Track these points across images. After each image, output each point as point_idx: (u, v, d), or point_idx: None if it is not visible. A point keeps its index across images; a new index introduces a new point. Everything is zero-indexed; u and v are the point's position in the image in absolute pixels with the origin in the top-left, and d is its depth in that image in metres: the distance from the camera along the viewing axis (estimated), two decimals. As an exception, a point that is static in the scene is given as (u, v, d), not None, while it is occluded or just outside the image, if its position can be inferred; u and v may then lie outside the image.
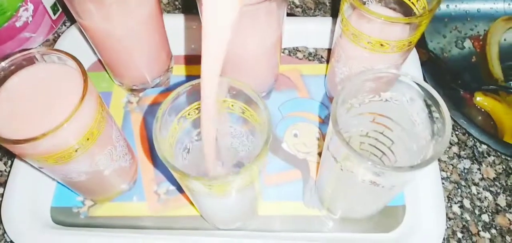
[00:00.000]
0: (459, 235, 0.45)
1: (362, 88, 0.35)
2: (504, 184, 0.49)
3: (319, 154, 0.49)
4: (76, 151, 0.34)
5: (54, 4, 0.60)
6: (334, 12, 0.64)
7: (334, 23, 0.57)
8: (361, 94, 0.36)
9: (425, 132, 0.35)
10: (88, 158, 0.36)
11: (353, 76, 0.34)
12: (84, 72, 0.34)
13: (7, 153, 0.51)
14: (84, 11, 0.42)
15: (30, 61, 0.36)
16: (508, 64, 0.63)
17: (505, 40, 0.65)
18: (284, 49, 0.58)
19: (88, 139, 0.34)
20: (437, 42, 0.65)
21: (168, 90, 0.54)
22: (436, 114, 0.33)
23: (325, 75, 0.55)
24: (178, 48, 0.57)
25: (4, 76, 0.35)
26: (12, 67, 0.35)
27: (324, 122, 0.52)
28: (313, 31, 0.58)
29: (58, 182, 0.47)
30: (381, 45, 0.40)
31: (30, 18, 0.56)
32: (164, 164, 0.47)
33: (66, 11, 0.62)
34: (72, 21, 0.62)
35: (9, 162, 0.50)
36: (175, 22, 0.57)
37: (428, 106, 0.33)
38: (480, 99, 0.58)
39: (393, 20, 0.39)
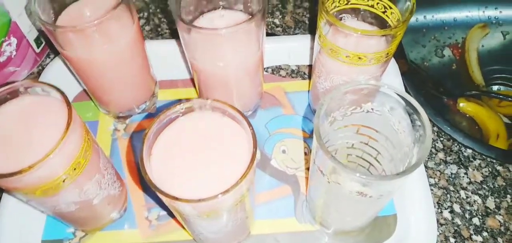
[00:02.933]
0: (452, 240, 0.46)
1: (343, 101, 0.36)
2: (492, 186, 0.49)
3: (308, 168, 0.50)
4: (63, 181, 0.34)
5: (38, 37, 0.60)
6: (313, 30, 0.65)
7: (313, 40, 0.58)
8: (343, 106, 0.36)
9: (407, 140, 0.35)
10: (76, 188, 0.36)
11: (333, 89, 0.34)
12: (67, 102, 0.34)
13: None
14: (66, 42, 0.42)
15: (14, 94, 0.36)
16: (488, 69, 0.65)
17: (483, 46, 0.66)
18: (267, 68, 0.59)
19: (75, 168, 0.34)
20: (417, 52, 0.66)
21: (154, 115, 0.55)
22: (416, 121, 0.33)
23: (308, 91, 0.56)
24: (162, 73, 0.57)
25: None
26: (-4, 102, 0.35)
27: (310, 136, 0.52)
28: (294, 49, 0.59)
29: (48, 215, 0.46)
30: (359, 58, 0.41)
31: (14, 52, 0.56)
32: (153, 191, 0.48)
33: (49, 43, 0.63)
34: (56, 53, 0.63)
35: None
36: (158, 48, 0.58)
37: (408, 113, 0.34)
38: (463, 105, 0.59)
39: (368, 33, 0.40)
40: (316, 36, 0.44)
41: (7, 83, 0.35)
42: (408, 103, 0.33)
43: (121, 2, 0.41)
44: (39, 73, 0.61)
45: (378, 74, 0.44)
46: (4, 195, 0.46)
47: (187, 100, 0.34)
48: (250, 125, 0.32)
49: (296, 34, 0.66)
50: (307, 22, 0.67)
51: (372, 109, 0.36)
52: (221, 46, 0.42)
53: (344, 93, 0.34)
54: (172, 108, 0.34)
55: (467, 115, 0.59)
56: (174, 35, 0.65)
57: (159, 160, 0.33)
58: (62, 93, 0.35)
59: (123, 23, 0.44)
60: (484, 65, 0.65)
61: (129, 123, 0.54)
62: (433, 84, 0.62)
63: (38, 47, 0.60)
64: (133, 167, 0.50)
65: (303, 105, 0.55)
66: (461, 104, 0.59)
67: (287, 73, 0.59)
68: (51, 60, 0.58)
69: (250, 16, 0.45)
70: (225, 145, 0.34)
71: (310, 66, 0.59)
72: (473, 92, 0.61)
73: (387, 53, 0.41)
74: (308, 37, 0.59)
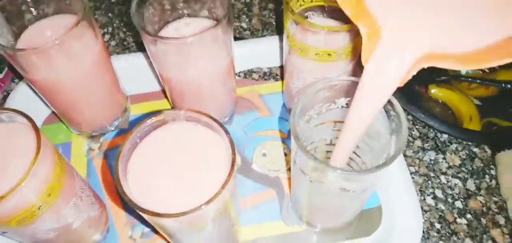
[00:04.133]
0: (437, 225, 0.46)
1: (317, 99, 0.36)
2: (470, 168, 0.50)
3: (289, 170, 0.49)
4: (39, 208, 0.33)
5: (0, 62, 0.58)
6: (281, 30, 0.66)
7: (282, 40, 0.58)
8: (317, 104, 0.36)
9: (384, 131, 0.35)
10: (53, 214, 0.35)
11: (306, 88, 0.34)
12: (35, 127, 0.33)
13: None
14: (28, 66, 0.41)
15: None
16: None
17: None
18: (240, 72, 0.59)
19: (49, 194, 0.33)
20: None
21: (128, 130, 0.53)
22: (390, 111, 0.33)
23: (282, 92, 0.56)
24: (133, 87, 0.56)
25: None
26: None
27: (288, 137, 0.52)
28: (264, 51, 0.59)
29: None
30: (329, 54, 0.41)
31: (-24, 81, 0.54)
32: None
33: (11, 68, 0.60)
34: (21, 77, 0.60)
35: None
36: (126, 63, 0.56)
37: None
38: (434, 91, 0.60)
39: (335, 29, 0.39)
40: (284, 36, 0.44)
41: None
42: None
43: (82, 19, 0.40)
44: (4, 99, 0.58)
45: (349, 69, 0.44)
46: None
47: (159, 112, 0.33)
48: (226, 132, 0.32)
49: (264, 36, 0.65)
50: (274, 23, 0.67)
51: (346, 104, 0.36)
52: (189, 54, 0.41)
53: (317, 90, 0.34)
54: (143, 122, 0.33)
55: (440, 101, 0.60)
56: (141, 47, 0.64)
57: (137, 177, 0.32)
58: (28, 118, 0.33)
59: (86, 40, 0.42)
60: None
61: (103, 141, 0.52)
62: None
63: (1, 73, 0.58)
64: (112, 186, 0.49)
65: (279, 106, 0.55)
66: (432, 91, 0.60)
67: (259, 76, 0.59)
68: (17, 84, 0.56)
69: (216, 22, 0.45)
70: (203, 154, 0.33)
71: (281, 67, 0.59)
72: (443, 77, 0.62)
73: (355, 48, 0.41)
74: (277, 38, 0.59)
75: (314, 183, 0.34)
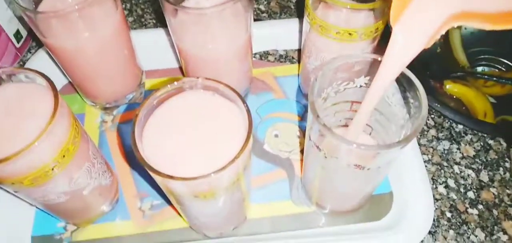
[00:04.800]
0: (448, 214, 0.46)
1: (335, 76, 0.35)
2: (484, 160, 0.49)
3: (302, 151, 0.49)
4: (52, 169, 0.33)
5: (17, 32, 0.58)
6: (300, 13, 0.65)
7: (301, 23, 0.58)
8: (336, 82, 0.36)
9: (402, 111, 0.35)
10: (66, 176, 0.35)
11: (325, 64, 0.34)
12: (53, 88, 0.33)
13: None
14: (48, 30, 0.41)
15: (-2, 82, 0.34)
16: (472, 50, 0.65)
17: (465, 28, 0.66)
18: (255, 53, 0.59)
19: (64, 156, 0.33)
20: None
21: (143, 105, 0.53)
22: (408, 92, 0.33)
23: (298, 75, 0.56)
24: (149, 63, 0.56)
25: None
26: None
27: (302, 119, 0.52)
28: (281, 33, 0.59)
29: (37, 209, 0.45)
30: (349, 34, 0.40)
31: (-7, 48, 0.55)
32: (146, 179, 0.47)
33: (31, 34, 0.61)
34: (38, 46, 0.61)
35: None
36: (143, 38, 0.56)
37: (400, 84, 0.33)
38: (449, 86, 0.59)
39: (358, 7, 0.39)
40: (305, 14, 0.44)
41: None
42: (401, 73, 0.33)
43: (105, -14, 0.40)
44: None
45: (368, 51, 0.44)
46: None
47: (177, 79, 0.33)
48: (244, 101, 0.32)
49: (282, 18, 0.65)
50: (292, 7, 0.66)
51: (365, 83, 0.36)
52: (209, 27, 0.41)
53: (336, 67, 0.34)
54: (162, 88, 0.33)
55: (454, 96, 0.59)
56: (158, 25, 0.64)
57: (151, 141, 0.32)
58: (47, 78, 0.33)
59: (106, 9, 0.43)
60: (467, 47, 0.65)
61: (116, 114, 0.53)
62: (419, 67, 0.62)
63: (18, 42, 0.59)
64: (123, 158, 0.49)
65: (293, 89, 0.54)
66: (447, 86, 0.59)
67: (275, 58, 0.58)
68: (33, 54, 0.57)
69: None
70: (218, 123, 0.33)
71: (298, 51, 0.59)
72: (459, 73, 0.61)
73: (377, 28, 0.41)
74: (295, 21, 0.59)
75: (329, 159, 0.33)
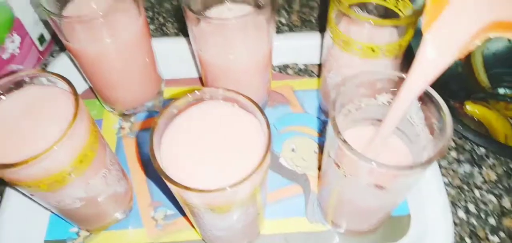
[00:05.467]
0: (468, 240, 0.44)
1: (357, 92, 0.35)
2: (507, 185, 0.48)
3: (318, 167, 0.48)
4: (69, 174, 0.33)
5: (41, 36, 0.59)
6: (321, 28, 0.65)
7: (322, 38, 0.57)
8: (357, 98, 0.35)
9: (424, 132, 0.34)
10: (82, 182, 0.35)
11: (347, 79, 0.33)
12: (74, 92, 0.33)
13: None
14: (71, 34, 0.41)
15: (19, 84, 0.35)
16: (494, 71, 0.64)
17: (487, 49, 0.65)
18: (275, 66, 0.58)
19: (81, 161, 0.33)
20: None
21: (161, 114, 0.54)
22: (433, 111, 0.32)
23: (317, 89, 0.55)
24: (169, 71, 0.56)
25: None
26: (0, 92, 0.34)
27: (320, 135, 0.51)
28: (301, 47, 0.58)
29: (51, 213, 0.45)
30: (372, 50, 0.40)
31: (17, 50, 0.55)
32: (160, 189, 0.47)
33: (55, 38, 0.62)
34: (61, 50, 0.62)
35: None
36: (164, 46, 0.57)
37: (423, 103, 0.33)
38: (470, 107, 0.58)
39: (382, 23, 0.39)
40: (327, 29, 0.44)
41: (11, 72, 0.34)
42: (425, 93, 0.32)
43: (129, -7, 0.40)
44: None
45: (390, 68, 0.43)
46: (7, 194, 0.44)
47: (197, 89, 0.33)
48: (263, 114, 0.31)
49: (302, 32, 0.64)
50: (313, 21, 0.66)
51: (388, 101, 0.35)
52: (231, 37, 0.41)
53: (359, 83, 0.33)
54: (182, 97, 0.33)
55: (475, 118, 0.58)
56: (179, 34, 0.64)
57: (169, 150, 0.32)
58: (69, 83, 0.33)
59: (130, 15, 0.43)
60: (489, 68, 0.64)
61: (134, 121, 0.53)
62: (440, 87, 0.60)
63: (41, 45, 0.59)
64: (139, 166, 0.49)
65: (312, 103, 0.54)
66: (468, 107, 0.58)
67: (294, 71, 0.58)
68: (55, 58, 0.57)
69: (260, 8, 0.44)
70: (237, 135, 0.33)
71: (318, 65, 0.58)
72: (480, 95, 0.60)
73: (400, 45, 0.40)
74: (316, 35, 0.58)
75: (349, 178, 0.33)
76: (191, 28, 0.42)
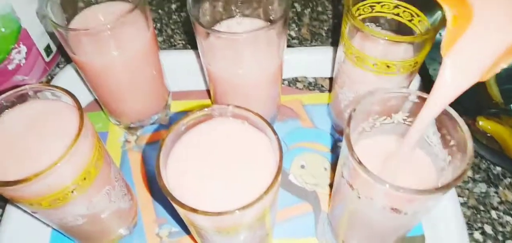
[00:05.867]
0: (484, 263, 0.42)
1: (372, 110, 0.33)
2: (524, 206, 0.46)
3: (329, 185, 0.47)
4: (72, 192, 0.31)
5: (47, 46, 0.58)
6: (331, 41, 0.64)
7: (333, 51, 0.56)
8: (372, 116, 0.34)
9: (443, 153, 0.33)
10: (85, 199, 0.34)
11: (362, 97, 0.32)
12: (79, 107, 0.32)
13: (-2, 202, 0.48)
14: (78, 47, 0.41)
15: (23, 98, 0.34)
16: (506, 87, 0.62)
17: (499, 65, 0.63)
18: (284, 79, 0.57)
19: (85, 178, 0.32)
20: (433, 68, 0.64)
21: (167, 127, 0.52)
22: (451, 132, 0.31)
23: (328, 104, 0.54)
24: (176, 84, 0.55)
25: (-5, 115, 0.33)
26: (3, 105, 0.33)
27: (331, 151, 0.50)
28: (312, 61, 0.57)
29: (53, 230, 0.44)
30: (387, 66, 0.38)
31: (23, 61, 0.55)
32: (165, 205, 0.45)
33: (61, 50, 0.61)
34: (67, 62, 0.61)
35: (0, 210, 0.47)
36: (172, 59, 0.56)
37: (441, 124, 0.31)
38: (482, 123, 0.57)
39: (398, 39, 0.37)
40: (340, 44, 0.42)
41: (15, 86, 0.33)
42: (444, 112, 0.31)
43: (137, 6, 0.39)
44: (48, 83, 0.59)
45: (404, 85, 0.42)
46: (8, 210, 0.43)
47: (206, 107, 0.32)
48: (275, 132, 0.30)
49: (313, 46, 0.63)
50: (324, 34, 0.65)
51: (403, 119, 0.34)
52: (240, 52, 0.40)
53: (376, 100, 0.32)
54: (191, 114, 0.31)
55: (487, 134, 0.57)
56: (188, 46, 0.64)
57: (176, 169, 0.31)
58: (74, 97, 0.32)
59: (138, 28, 0.42)
60: (502, 83, 0.62)
61: (140, 134, 0.52)
62: (452, 102, 0.59)
63: (47, 56, 0.59)
64: (144, 180, 0.48)
65: (322, 119, 0.52)
66: (480, 123, 0.57)
67: (304, 85, 0.57)
68: (61, 69, 0.56)
69: (271, 23, 0.43)
70: (246, 154, 0.32)
71: (328, 79, 0.57)
72: (492, 110, 0.59)
73: (416, 62, 0.39)
74: (327, 48, 0.57)
75: (363, 200, 0.31)
76: (200, 42, 0.41)
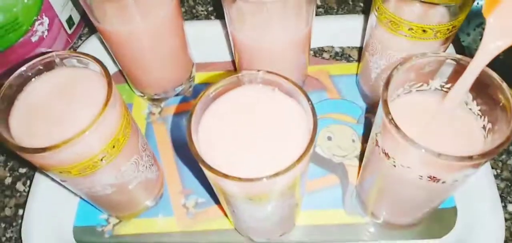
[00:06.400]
0: (518, 237, 0.41)
1: (409, 76, 0.32)
2: (561, 179, 0.44)
3: (357, 157, 0.46)
4: (101, 160, 0.31)
5: (69, 18, 0.58)
6: (360, 10, 0.62)
7: (361, 20, 0.54)
8: (407, 83, 0.33)
9: (482, 119, 0.31)
10: (113, 168, 0.33)
11: (398, 62, 0.30)
12: (107, 74, 0.31)
13: (25, 173, 0.48)
14: (102, 15, 0.40)
15: (50, 65, 0.33)
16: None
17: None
18: (310, 49, 0.56)
19: (113, 146, 0.32)
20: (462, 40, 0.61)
21: (191, 98, 0.52)
22: (494, 96, 0.29)
23: (356, 75, 0.52)
24: (200, 56, 0.54)
25: (22, 82, 0.32)
26: (30, 73, 0.33)
27: (358, 122, 0.48)
28: (338, 30, 0.55)
29: (81, 199, 0.44)
30: (424, 31, 0.37)
31: (46, 33, 0.54)
32: (191, 176, 0.45)
33: (85, 19, 0.60)
34: (90, 32, 0.61)
35: (28, 182, 0.47)
36: (196, 30, 0.54)
37: (482, 88, 0.30)
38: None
39: (437, 1, 0.35)
40: (372, 9, 0.41)
41: (42, 54, 0.33)
42: (486, 75, 0.29)
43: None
44: (71, 54, 0.59)
45: (441, 50, 0.40)
46: (36, 180, 0.44)
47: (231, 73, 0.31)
48: (309, 99, 0.29)
49: (339, 14, 0.61)
50: (350, 2, 0.63)
51: (441, 86, 0.32)
52: (269, 18, 0.39)
53: (413, 65, 0.30)
54: (220, 80, 0.31)
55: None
56: (210, 17, 0.62)
57: (206, 136, 0.30)
58: (101, 64, 0.32)
59: (162, -5, 0.41)
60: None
61: (164, 106, 0.51)
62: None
63: (70, 28, 0.58)
64: (169, 151, 0.47)
65: (350, 89, 0.51)
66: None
67: (330, 55, 0.55)
68: (83, 41, 0.56)
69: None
70: (279, 121, 0.31)
71: (356, 48, 0.55)
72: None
73: (453, 26, 0.37)
74: (354, 17, 0.55)
75: (399, 168, 0.30)
76: (226, 8, 0.40)
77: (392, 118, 0.27)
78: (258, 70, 0.31)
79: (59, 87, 0.33)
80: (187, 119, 0.29)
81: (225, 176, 0.26)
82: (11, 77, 0.32)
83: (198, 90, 0.52)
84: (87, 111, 0.30)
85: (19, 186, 0.47)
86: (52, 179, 0.42)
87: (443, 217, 0.41)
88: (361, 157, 0.46)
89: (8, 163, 0.48)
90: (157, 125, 0.50)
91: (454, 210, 0.42)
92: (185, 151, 0.47)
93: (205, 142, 0.30)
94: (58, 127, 0.30)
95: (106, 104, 0.29)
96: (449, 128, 0.31)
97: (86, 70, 0.33)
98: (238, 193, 0.30)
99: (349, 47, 0.56)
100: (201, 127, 0.30)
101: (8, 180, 0.47)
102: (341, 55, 0.55)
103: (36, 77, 0.33)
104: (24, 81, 0.32)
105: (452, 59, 0.30)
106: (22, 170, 0.48)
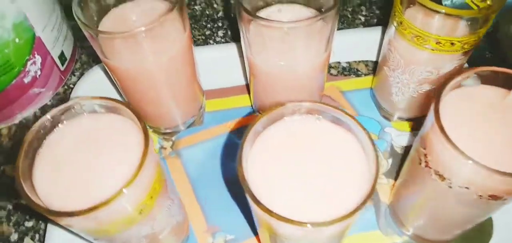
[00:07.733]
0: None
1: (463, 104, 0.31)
2: None
3: (384, 174, 0.44)
4: (140, 213, 0.28)
5: (61, 54, 0.54)
6: (360, 23, 0.61)
7: (364, 33, 0.54)
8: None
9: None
10: (150, 219, 0.31)
11: (456, 73, 0.29)
12: (141, 120, 0.29)
13: (33, 227, 0.44)
14: (111, 51, 0.37)
15: (69, 114, 0.30)
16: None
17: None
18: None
19: (151, 197, 0.29)
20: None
21: (201, 129, 0.49)
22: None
23: (370, 88, 0.51)
24: (208, 82, 0.52)
25: (44, 134, 0.29)
26: (49, 124, 0.30)
27: (379, 138, 0.47)
28: (343, 44, 0.54)
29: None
30: (452, 44, 0.36)
31: (39, 72, 0.51)
32: (215, 211, 0.42)
33: (78, 52, 0.57)
34: (81, 69, 0.57)
35: (37, 236, 0.43)
36: (204, 56, 0.51)
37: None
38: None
39: (467, 14, 0.35)
40: (391, 24, 0.40)
41: (32, 100, 0.30)
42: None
43: (175, 6, 0.36)
44: (64, 93, 0.55)
45: (464, 61, 0.40)
46: (49, 234, 0.40)
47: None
48: (363, 129, 0.27)
49: (341, 29, 0.61)
50: (349, 16, 0.62)
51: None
52: (287, 42, 0.37)
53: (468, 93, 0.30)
54: (265, 114, 0.29)
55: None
56: (206, 42, 0.60)
57: (255, 174, 0.28)
58: (133, 109, 0.29)
59: (175, 29, 0.39)
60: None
61: (175, 140, 0.48)
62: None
63: (62, 65, 0.55)
64: (187, 187, 0.45)
65: (365, 105, 0.50)
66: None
67: (338, 71, 0.54)
68: (79, 78, 0.53)
69: (315, 10, 0.40)
70: (328, 154, 0.29)
71: (363, 62, 0.54)
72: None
73: (479, 37, 0.37)
74: (356, 31, 0.55)
75: (456, 189, 0.29)
76: (244, 32, 0.38)
77: (449, 139, 0.26)
78: (302, 101, 0.29)
79: (84, 137, 0.30)
80: (237, 162, 0.26)
81: (288, 221, 0.24)
82: (31, 131, 0.28)
83: (209, 118, 0.50)
84: (119, 161, 0.28)
85: (27, 241, 0.43)
86: (67, 230, 0.38)
87: (478, 229, 0.40)
88: (390, 174, 0.44)
89: (12, 217, 0.44)
90: (171, 160, 0.47)
91: (489, 221, 0.41)
92: (205, 185, 0.44)
93: (253, 181, 0.27)
94: (90, 183, 0.28)
95: (145, 154, 0.27)
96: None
97: (110, 115, 0.31)
98: (291, 234, 0.28)
99: (355, 61, 0.55)
100: (249, 165, 0.28)
101: (15, 237, 0.43)
102: (349, 70, 0.54)
103: (56, 127, 0.30)
104: (45, 133, 0.29)
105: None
106: (29, 224, 0.44)
